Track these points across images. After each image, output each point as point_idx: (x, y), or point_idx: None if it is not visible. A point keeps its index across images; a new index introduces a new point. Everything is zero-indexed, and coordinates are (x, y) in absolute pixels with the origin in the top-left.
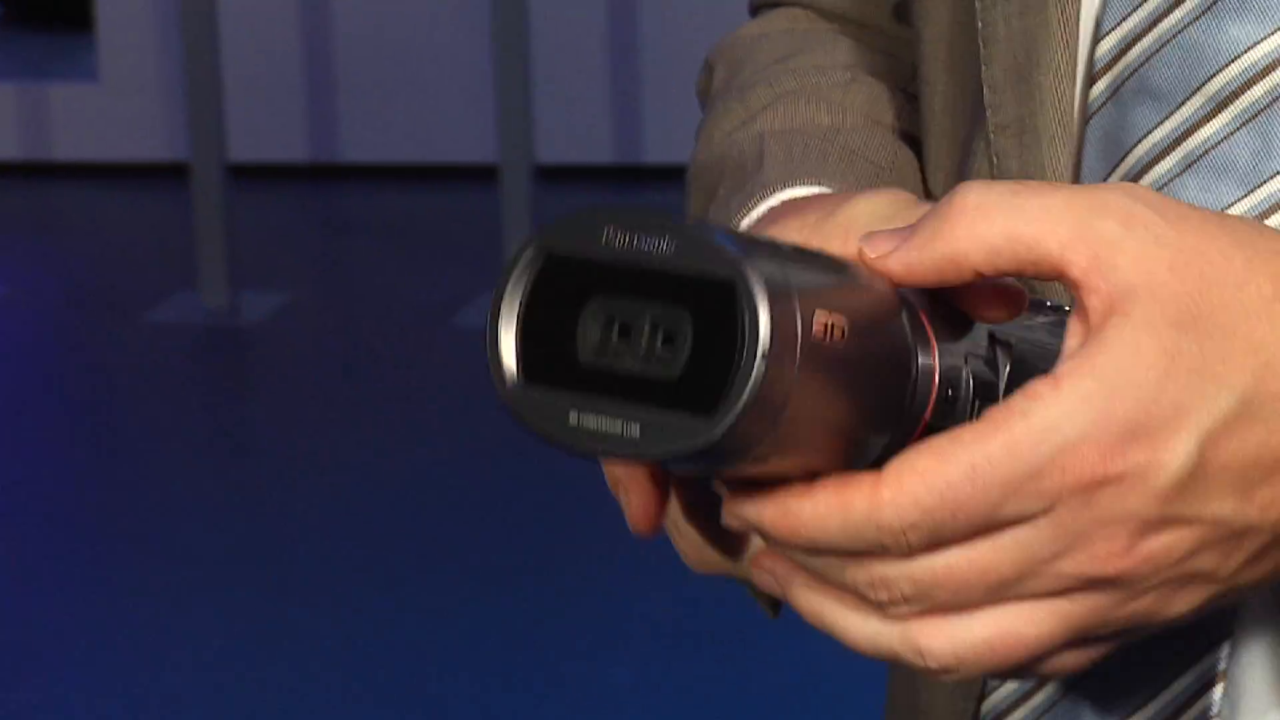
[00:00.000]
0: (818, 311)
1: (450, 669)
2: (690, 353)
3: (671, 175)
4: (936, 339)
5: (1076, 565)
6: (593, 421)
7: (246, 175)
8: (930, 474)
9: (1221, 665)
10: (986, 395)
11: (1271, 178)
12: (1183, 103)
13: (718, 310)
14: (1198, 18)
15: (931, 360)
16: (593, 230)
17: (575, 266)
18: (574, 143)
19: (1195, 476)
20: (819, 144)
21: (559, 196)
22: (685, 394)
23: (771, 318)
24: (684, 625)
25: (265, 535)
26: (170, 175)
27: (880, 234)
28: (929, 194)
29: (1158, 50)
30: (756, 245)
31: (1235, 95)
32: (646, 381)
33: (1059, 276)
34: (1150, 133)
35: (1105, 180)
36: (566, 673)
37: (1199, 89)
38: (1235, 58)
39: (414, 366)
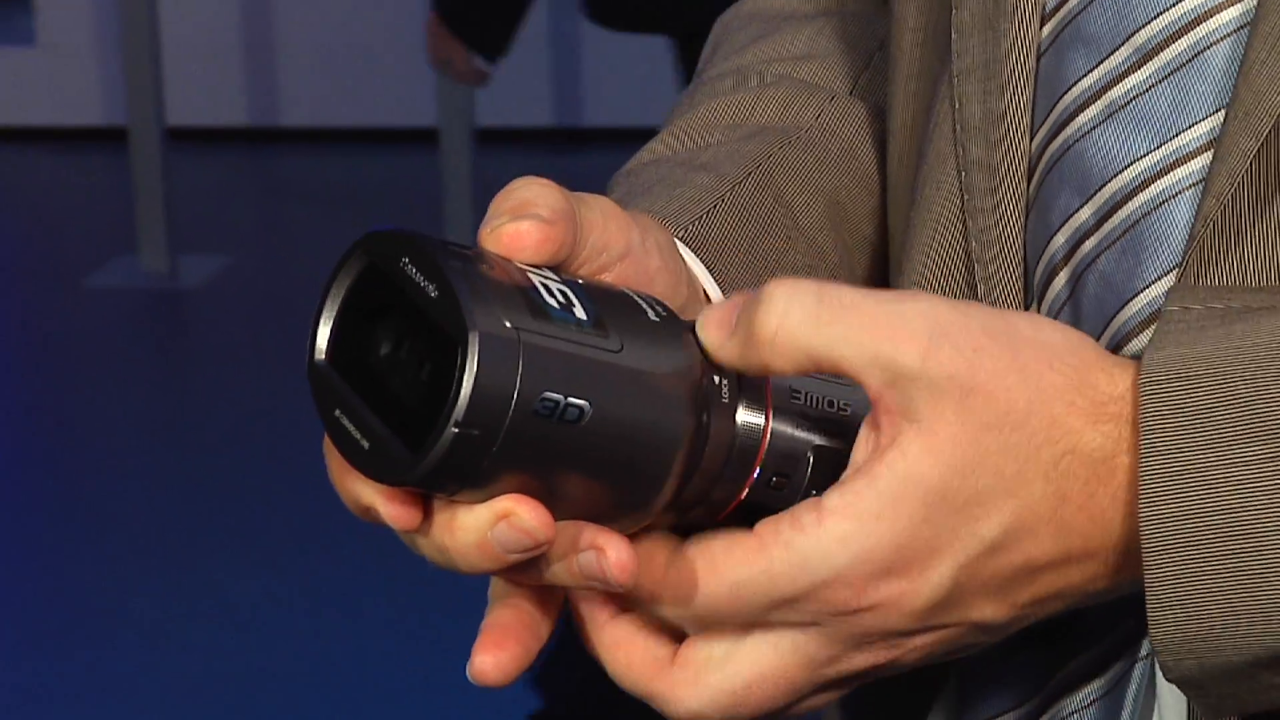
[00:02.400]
0: (546, 393)
1: (389, 631)
2: (425, 391)
3: (611, 138)
4: (775, 420)
5: (853, 663)
6: (347, 423)
7: (185, 139)
8: (701, 584)
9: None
10: (832, 471)
11: (1184, 131)
12: (1111, 52)
13: (449, 365)
14: None
15: (757, 441)
16: (398, 254)
17: (384, 279)
18: (514, 106)
19: (951, 597)
20: (655, 174)
21: (499, 160)
22: (411, 428)
23: (473, 393)
24: None
25: (205, 501)
26: (108, 139)
27: (712, 314)
28: (879, 153)
29: None
30: (513, 309)
31: (1160, 48)
32: (399, 404)
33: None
34: (1080, 80)
35: (1042, 125)
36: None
37: (1128, 39)
38: (1164, 10)
39: None
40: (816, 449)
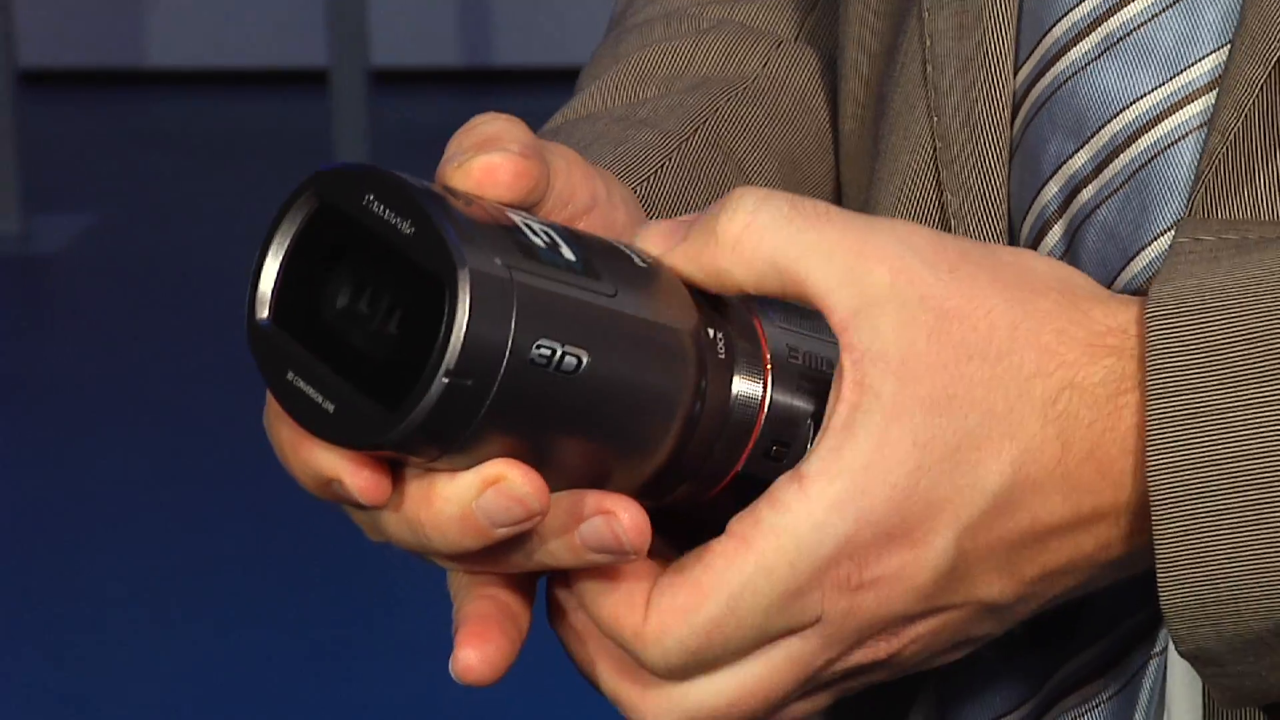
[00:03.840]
0: (543, 340)
1: (256, 615)
2: (399, 343)
3: (525, 80)
4: (774, 384)
5: (850, 661)
6: (304, 386)
7: (40, 83)
8: (691, 612)
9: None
10: None
11: (1192, 65)
12: None
13: (432, 309)
14: None
15: (755, 405)
16: (360, 190)
17: (341, 221)
18: (414, 44)
19: (956, 569)
20: (590, 131)
21: (397, 103)
22: (384, 384)
23: (466, 337)
24: None
25: (63, 482)
26: None
27: (656, 227)
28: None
29: None
30: (501, 247)
31: None
32: (365, 360)
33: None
34: (1072, 9)
35: (1026, 60)
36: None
37: None
38: None
39: (235, 297)
40: (815, 415)
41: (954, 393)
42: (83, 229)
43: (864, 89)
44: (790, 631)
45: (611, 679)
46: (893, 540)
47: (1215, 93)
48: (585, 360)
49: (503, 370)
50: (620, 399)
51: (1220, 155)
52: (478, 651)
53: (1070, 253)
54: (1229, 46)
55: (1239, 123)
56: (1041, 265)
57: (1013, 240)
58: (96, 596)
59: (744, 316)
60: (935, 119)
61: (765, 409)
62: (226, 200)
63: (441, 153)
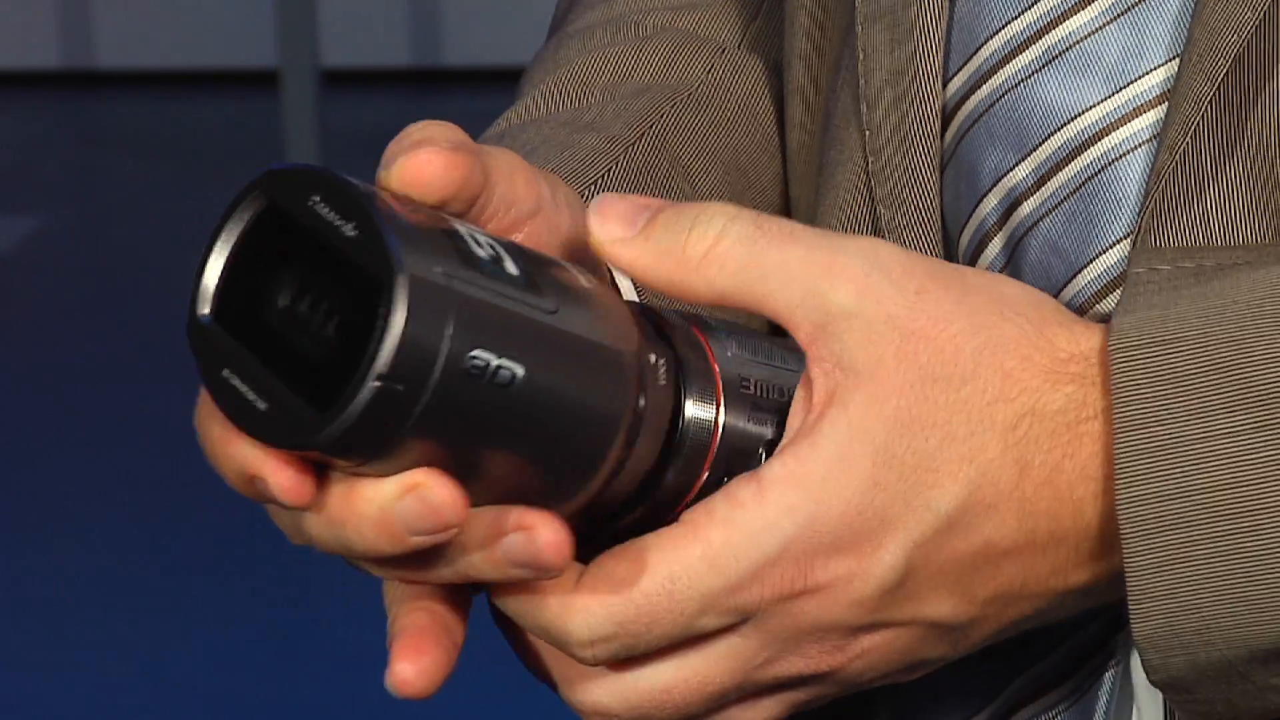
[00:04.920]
0: (478, 350)
1: (210, 604)
2: (336, 345)
3: (475, 79)
4: (727, 409)
5: (790, 667)
6: (238, 384)
7: None
8: (626, 584)
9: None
10: None
11: (1139, 78)
12: None
13: (369, 313)
14: None
15: (709, 429)
16: (306, 191)
17: (287, 222)
18: (364, 44)
19: (903, 584)
20: (537, 135)
21: (347, 105)
22: (317, 386)
23: (401, 342)
24: None
25: (17, 490)
26: None
27: (613, 205)
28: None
29: None
30: (442, 255)
31: None
32: (301, 361)
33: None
34: (1010, 22)
35: (958, 72)
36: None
37: None
38: None
39: (186, 298)
40: (769, 444)
41: (916, 414)
42: (33, 230)
43: (808, 106)
44: (726, 628)
45: (554, 666)
46: (840, 550)
47: (1164, 107)
48: (520, 374)
49: (435, 378)
50: (555, 416)
51: (1169, 171)
52: (413, 665)
53: (1012, 265)
54: (1177, 60)
55: (1186, 139)
56: (1011, 289)
57: (949, 253)
58: (51, 598)
59: (694, 341)
60: (867, 133)
61: (719, 433)
62: (177, 201)
63: None
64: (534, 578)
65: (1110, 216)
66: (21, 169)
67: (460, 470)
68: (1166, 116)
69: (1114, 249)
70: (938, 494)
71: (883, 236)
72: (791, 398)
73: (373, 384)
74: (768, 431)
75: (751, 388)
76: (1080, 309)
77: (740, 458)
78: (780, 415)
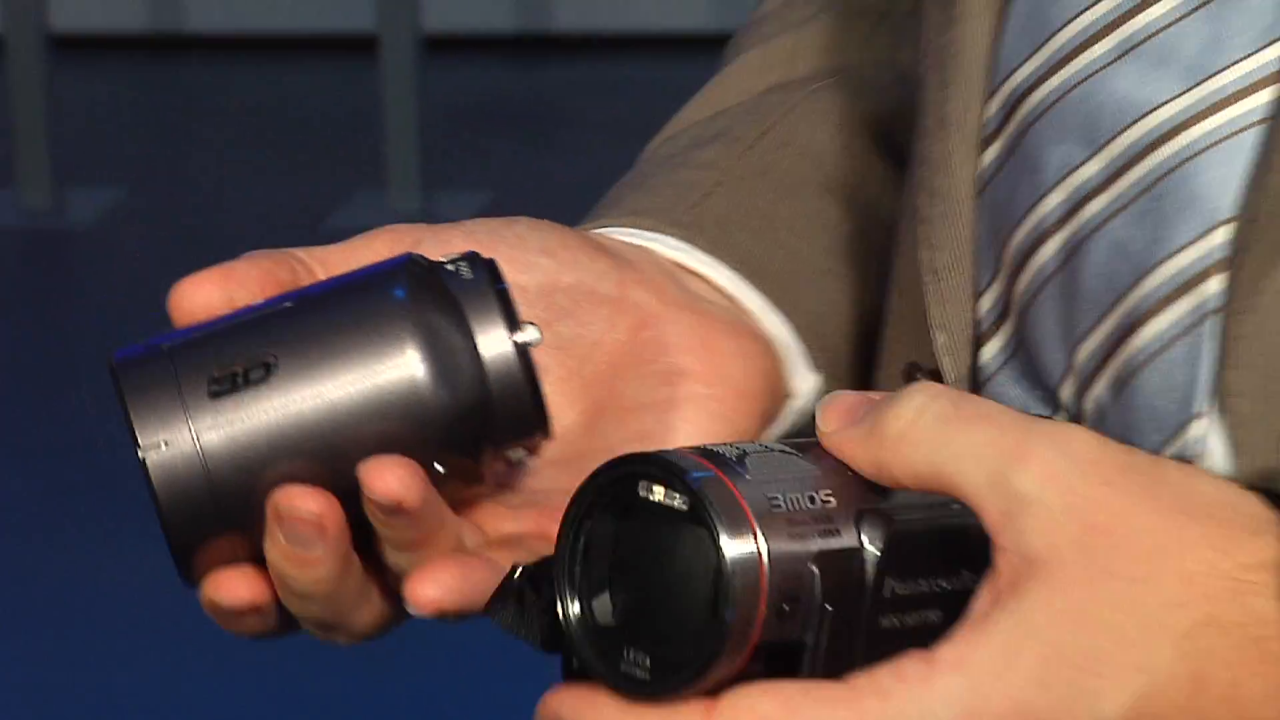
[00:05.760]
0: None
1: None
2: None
3: (586, 47)
4: (763, 530)
5: None
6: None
7: (72, 48)
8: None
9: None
10: (850, 599)
11: (1220, 71)
12: None
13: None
14: None
15: (755, 564)
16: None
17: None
18: (468, 7)
19: None
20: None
21: (449, 72)
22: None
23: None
24: None
25: (92, 459)
26: None
27: (839, 403)
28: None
29: None
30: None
31: None
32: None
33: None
34: (1083, 13)
35: (1031, 56)
36: None
37: None
38: None
39: None
40: (818, 556)
41: (1088, 611)
42: (115, 201)
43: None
44: None
45: None
46: None
47: (1248, 100)
48: None
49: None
50: None
51: None
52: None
53: (1066, 269)
54: (1263, 52)
55: None
56: (1207, 487)
57: (998, 255)
58: (117, 586)
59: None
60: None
61: (766, 569)
62: (265, 173)
63: (494, 122)
64: (408, 525)
65: (1184, 217)
66: (103, 138)
67: None
68: None
69: (1184, 251)
70: (1103, 702)
71: (915, 230)
72: (823, 500)
73: None
74: (813, 544)
75: (781, 503)
76: (1146, 314)
77: (792, 580)
78: (820, 522)
